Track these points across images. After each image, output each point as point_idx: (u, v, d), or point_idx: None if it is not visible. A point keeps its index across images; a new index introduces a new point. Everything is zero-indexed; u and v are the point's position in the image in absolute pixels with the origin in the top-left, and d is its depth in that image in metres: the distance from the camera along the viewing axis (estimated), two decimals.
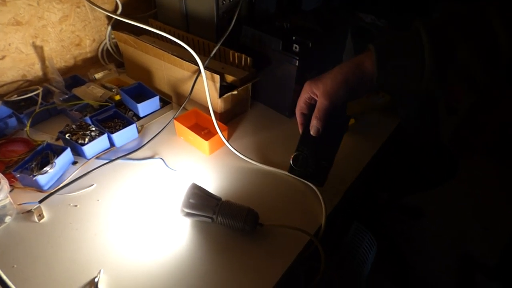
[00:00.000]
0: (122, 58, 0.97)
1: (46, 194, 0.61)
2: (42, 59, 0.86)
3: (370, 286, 1.28)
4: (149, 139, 0.76)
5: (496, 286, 1.07)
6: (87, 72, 0.92)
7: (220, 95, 0.76)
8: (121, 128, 0.74)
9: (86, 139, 0.69)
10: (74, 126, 0.71)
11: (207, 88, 0.73)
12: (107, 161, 0.70)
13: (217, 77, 0.73)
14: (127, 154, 0.72)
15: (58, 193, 0.63)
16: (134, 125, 0.74)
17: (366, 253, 0.99)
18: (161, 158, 0.72)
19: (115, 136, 0.72)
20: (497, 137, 1.89)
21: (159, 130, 0.78)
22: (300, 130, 0.60)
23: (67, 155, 0.67)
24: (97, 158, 0.71)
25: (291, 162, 0.60)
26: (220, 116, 0.80)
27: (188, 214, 0.57)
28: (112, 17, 0.93)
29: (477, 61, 0.44)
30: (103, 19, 0.93)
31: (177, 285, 0.51)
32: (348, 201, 0.74)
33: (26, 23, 0.80)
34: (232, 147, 0.73)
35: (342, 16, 0.98)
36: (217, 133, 0.72)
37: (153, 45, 0.82)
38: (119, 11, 0.92)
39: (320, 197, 0.65)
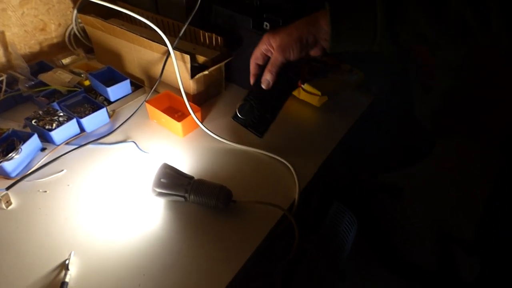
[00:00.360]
0: (91, 43, 0.94)
1: (13, 181, 0.60)
2: (4, 45, 0.82)
3: (351, 264, 1.32)
4: (120, 123, 0.75)
5: (475, 261, 1.12)
6: (54, 58, 0.89)
7: (192, 76, 0.75)
8: (91, 113, 0.72)
9: (54, 125, 0.67)
10: (41, 112, 0.69)
11: (177, 69, 0.72)
12: (76, 146, 0.68)
13: (187, 57, 0.72)
14: (98, 138, 0.71)
15: (26, 179, 0.61)
16: (104, 109, 0.73)
17: (347, 232, 1.01)
18: (134, 142, 0.71)
19: (85, 121, 0.70)
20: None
21: (131, 114, 0.77)
22: (252, 81, 0.61)
23: (34, 141, 0.65)
24: (67, 143, 0.69)
25: (236, 109, 0.61)
26: (193, 98, 0.79)
27: (160, 194, 0.57)
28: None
29: (426, 18, 0.45)
30: (68, 2, 0.90)
31: (150, 263, 0.51)
32: (324, 180, 0.75)
33: None
34: (206, 128, 0.73)
35: None
36: (191, 114, 0.72)
37: (121, 28, 0.80)
38: None
39: (294, 173, 0.66)
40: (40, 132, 0.67)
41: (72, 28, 0.92)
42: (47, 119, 0.68)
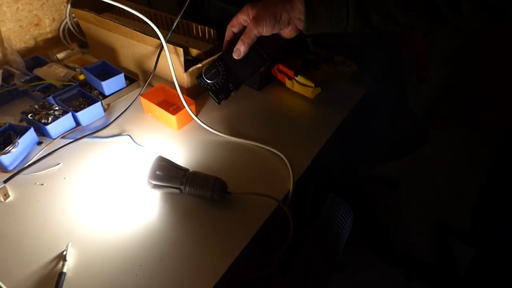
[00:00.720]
0: (85, 38, 0.94)
1: (11, 174, 0.61)
2: (0, 40, 0.82)
3: (347, 255, 1.34)
4: (115, 117, 0.75)
5: (473, 251, 1.13)
6: (48, 53, 0.89)
7: (186, 69, 0.76)
8: (86, 107, 0.73)
9: (50, 118, 0.68)
10: (36, 106, 0.70)
11: (170, 62, 0.72)
12: (72, 140, 0.69)
13: (180, 51, 0.72)
14: (94, 132, 0.72)
15: (23, 172, 0.62)
16: (99, 103, 0.73)
17: (343, 223, 1.02)
18: (129, 135, 0.72)
19: (80, 115, 0.71)
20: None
21: (126, 108, 0.77)
22: (224, 47, 0.61)
23: (31, 134, 0.66)
24: (63, 137, 0.70)
25: (202, 71, 0.61)
26: (188, 91, 0.80)
27: (155, 186, 0.58)
28: None
29: (395, 0, 0.46)
30: None
31: (146, 254, 0.52)
32: (320, 172, 0.76)
33: None
34: (201, 120, 0.73)
35: None
36: (185, 108, 0.72)
37: (115, 22, 0.80)
38: None
39: (288, 164, 0.67)
40: (36, 126, 0.68)
41: (66, 22, 0.92)
42: (43, 113, 0.69)
